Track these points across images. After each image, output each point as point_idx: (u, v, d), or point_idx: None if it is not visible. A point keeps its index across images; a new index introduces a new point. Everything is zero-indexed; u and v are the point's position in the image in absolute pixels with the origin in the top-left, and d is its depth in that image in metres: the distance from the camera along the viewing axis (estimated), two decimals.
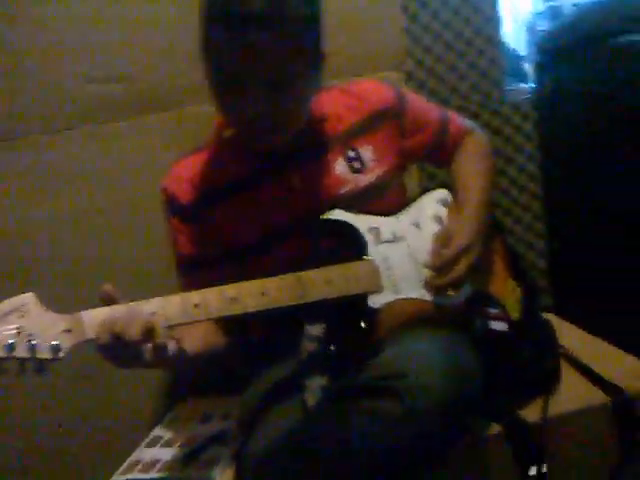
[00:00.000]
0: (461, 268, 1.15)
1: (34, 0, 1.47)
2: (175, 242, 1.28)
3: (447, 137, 1.36)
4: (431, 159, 1.43)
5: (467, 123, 1.41)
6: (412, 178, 1.69)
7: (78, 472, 1.67)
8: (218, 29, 1.05)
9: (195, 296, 0.99)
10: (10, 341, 0.86)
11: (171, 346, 0.99)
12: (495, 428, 1.20)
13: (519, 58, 2.03)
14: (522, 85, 1.92)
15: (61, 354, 0.89)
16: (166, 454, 1.38)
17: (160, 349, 0.94)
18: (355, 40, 1.65)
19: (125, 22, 1.53)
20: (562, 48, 1.76)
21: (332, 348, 1.10)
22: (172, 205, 1.25)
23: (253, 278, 1.08)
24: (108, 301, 0.93)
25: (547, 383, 1.28)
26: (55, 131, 1.52)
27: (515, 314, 1.25)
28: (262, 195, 1.22)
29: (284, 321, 1.24)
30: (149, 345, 0.93)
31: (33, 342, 0.87)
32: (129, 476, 1.32)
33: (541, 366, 1.27)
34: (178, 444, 1.42)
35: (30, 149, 1.51)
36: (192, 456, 1.34)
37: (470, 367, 1.04)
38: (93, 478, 1.62)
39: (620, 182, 1.63)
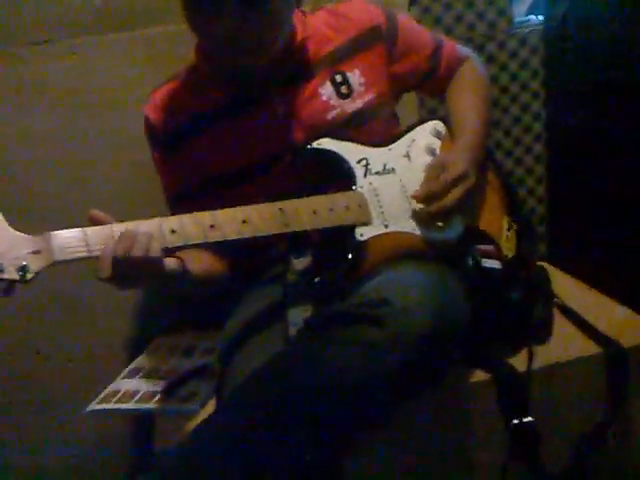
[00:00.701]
0: (453, 197, 1.10)
1: None
2: (160, 175, 1.25)
3: (440, 63, 1.30)
4: (423, 87, 1.36)
5: (462, 50, 1.35)
6: (411, 111, 1.62)
7: (55, 400, 1.66)
8: None
9: (173, 221, 0.94)
10: None
11: (174, 264, 0.99)
12: (481, 375, 1.18)
13: None
14: (532, 18, 1.82)
15: (29, 275, 0.85)
16: (146, 385, 1.36)
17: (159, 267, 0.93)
18: None
19: None
20: None
21: (316, 280, 1.07)
22: (152, 134, 1.22)
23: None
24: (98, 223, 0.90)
25: (538, 331, 1.26)
26: (32, 44, 1.46)
27: (509, 253, 1.22)
28: (244, 123, 1.18)
29: (270, 254, 1.21)
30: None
31: None
32: (106, 405, 1.31)
33: (532, 312, 1.24)
34: (158, 376, 1.40)
35: (5, 62, 1.46)
36: (172, 388, 1.32)
37: (457, 296, 1.02)
38: (71, 406, 1.58)
39: (625, 127, 1.55)
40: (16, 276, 0.84)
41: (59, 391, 1.65)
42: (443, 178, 1.10)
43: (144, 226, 0.92)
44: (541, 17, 1.79)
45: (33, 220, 1.48)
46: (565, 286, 1.42)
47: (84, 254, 0.88)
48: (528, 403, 1.16)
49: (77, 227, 0.88)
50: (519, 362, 1.18)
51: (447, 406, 1.17)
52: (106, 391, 1.36)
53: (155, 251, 0.90)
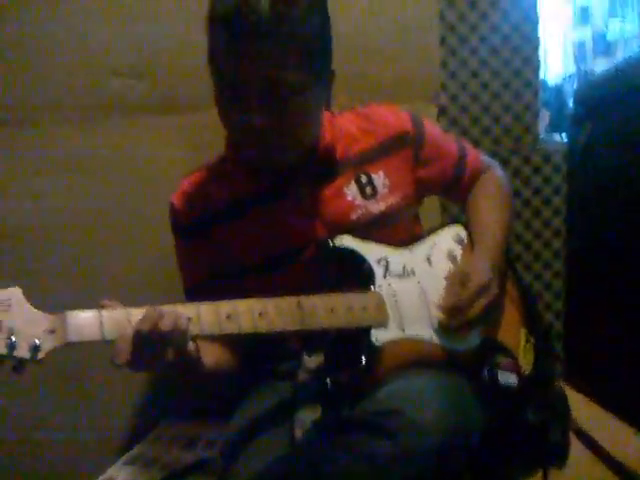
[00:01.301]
0: (476, 310, 1.08)
1: None
2: (180, 262, 1.26)
3: (464, 171, 1.31)
4: (446, 193, 1.38)
5: (486, 159, 1.37)
6: (432, 210, 1.65)
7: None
8: (221, 36, 1.02)
9: (189, 309, 0.93)
10: None
11: (193, 349, 0.96)
12: None
13: (558, 108, 1.99)
14: (556, 136, 1.87)
15: (40, 355, 0.83)
16: (143, 475, 1.32)
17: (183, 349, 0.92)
18: (390, 66, 1.63)
19: (157, 20, 1.52)
20: (600, 100, 1.71)
21: (328, 381, 1.04)
22: (176, 222, 1.23)
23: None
24: None
25: (553, 455, 1.20)
26: (74, 121, 1.51)
27: (526, 367, 1.18)
28: (269, 215, 1.19)
29: (282, 349, 1.20)
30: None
31: (13, 339, 0.81)
32: None
33: (548, 435, 1.19)
34: (158, 467, 1.36)
35: (46, 138, 1.50)
36: None
37: (470, 412, 0.99)
38: None
39: None
40: (27, 355, 0.82)
41: (55, 468, 1.60)
42: (467, 291, 1.09)
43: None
44: (565, 136, 1.83)
45: (57, 288, 1.52)
46: (582, 408, 1.39)
47: (98, 337, 0.87)
48: None
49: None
50: None
51: None
52: (102, 477, 1.32)
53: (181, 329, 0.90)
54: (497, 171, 1.37)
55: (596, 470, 1.20)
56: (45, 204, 1.52)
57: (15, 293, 0.84)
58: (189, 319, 0.91)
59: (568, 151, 1.80)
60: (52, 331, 0.84)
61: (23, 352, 0.82)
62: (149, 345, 0.86)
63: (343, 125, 1.23)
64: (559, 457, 1.20)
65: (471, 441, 0.95)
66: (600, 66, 2.21)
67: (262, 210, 1.19)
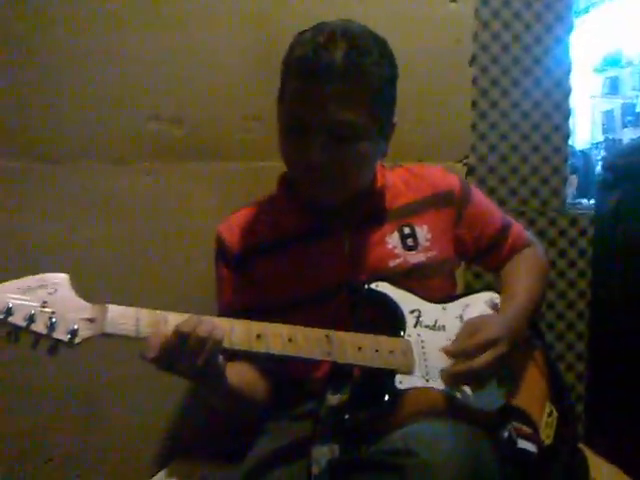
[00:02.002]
0: (481, 360, 1.08)
1: (109, 31, 1.51)
2: (219, 290, 1.30)
3: (505, 242, 1.34)
4: (483, 260, 1.39)
5: (529, 235, 1.40)
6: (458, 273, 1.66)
7: None
8: (296, 77, 1.09)
9: (223, 322, 0.98)
10: (32, 312, 0.85)
11: (221, 363, 1.00)
12: None
13: (585, 174, 2.03)
14: (583, 200, 1.89)
15: (77, 340, 0.88)
16: None
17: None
18: (422, 127, 1.68)
19: (199, 66, 1.56)
20: (629, 168, 1.73)
21: (347, 417, 1.05)
22: (222, 251, 1.27)
23: None
24: None
25: None
26: (110, 161, 1.54)
27: (547, 439, 1.17)
28: (311, 254, 1.22)
29: (306, 391, 1.21)
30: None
31: (53, 320, 0.86)
32: None
33: None
34: None
35: (81, 175, 1.53)
36: None
37: (488, 462, 0.97)
38: None
39: None
40: (65, 338, 0.87)
41: None
42: (473, 340, 1.10)
43: None
44: (592, 201, 1.86)
45: None
46: (602, 473, 1.36)
47: (133, 334, 0.92)
48: None
49: None
50: None
51: None
52: None
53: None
54: (538, 248, 1.39)
55: None
56: (75, 239, 1.53)
57: (63, 278, 0.90)
58: (213, 323, 0.94)
59: (595, 216, 1.82)
60: (91, 320, 0.89)
61: (61, 334, 0.87)
62: (183, 346, 0.91)
63: (392, 178, 1.28)
64: None
65: None
66: (628, 135, 2.25)
67: (303, 248, 1.23)
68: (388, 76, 1.12)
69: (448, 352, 1.11)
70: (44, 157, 1.50)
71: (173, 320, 0.94)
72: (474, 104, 1.74)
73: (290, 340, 1.00)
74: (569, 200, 1.86)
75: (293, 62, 1.10)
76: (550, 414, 1.21)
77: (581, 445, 1.42)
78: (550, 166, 1.78)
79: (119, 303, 1.55)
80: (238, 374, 1.12)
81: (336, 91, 1.05)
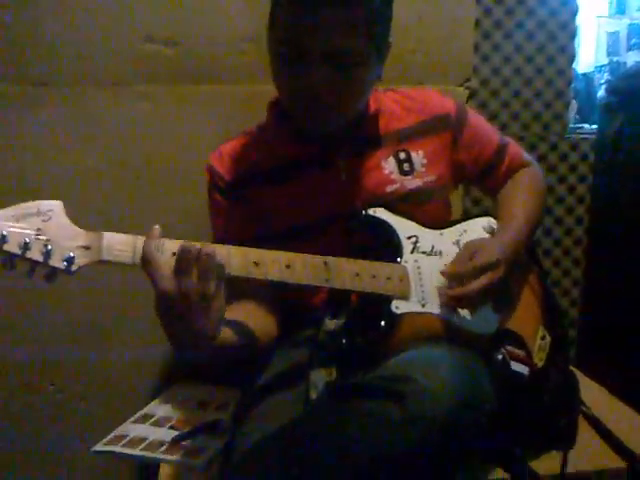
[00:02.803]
0: (477, 284, 1.08)
1: None
2: (214, 221, 1.28)
3: (502, 162, 1.32)
4: (480, 182, 1.38)
5: (525, 155, 1.37)
6: (456, 200, 1.65)
7: (64, 436, 1.64)
8: (288, 2, 1.04)
9: (220, 248, 0.93)
10: (26, 240, 0.83)
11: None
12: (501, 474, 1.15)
13: (586, 98, 1.98)
14: (585, 125, 1.85)
15: (73, 267, 0.86)
16: (155, 434, 1.34)
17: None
18: (422, 48, 1.63)
19: None
20: (633, 92, 1.70)
21: (344, 341, 1.07)
22: (214, 181, 1.25)
23: None
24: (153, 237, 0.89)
25: (561, 438, 1.21)
26: (105, 84, 1.51)
27: (539, 362, 1.19)
28: (306, 183, 1.21)
29: (306, 317, 1.22)
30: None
31: (49, 247, 0.84)
32: (112, 448, 1.28)
33: (557, 421, 1.21)
34: (169, 425, 1.38)
35: (77, 99, 1.51)
36: (181, 440, 1.30)
37: (482, 385, 0.98)
38: (76, 447, 1.60)
39: None
40: (61, 265, 0.85)
41: (69, 427, 1.64)
42: (470, 263, 1.09)
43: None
44: (594, 126, 1.82)
45: None
46: (592, 394, 1.39)
47: (129, 260, 0.88)
48: None
49: None
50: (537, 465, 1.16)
51: None
52: (114, 433, 1.34)
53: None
54: (536, 169, 1.37)
55: (603, 454, 1.21)
56: (69, 162, 1.53)
57: (57, 205, 0.87)
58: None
59: (596, 141, 1.79)
60: (87, 247, 0.87)
61: (57, 262, 0.85)
62: (190, 269, 0.85)
63: (386, 102, 1.26)
64: (566, 440, 1.21)
65: (481, 414, 0.94)
66: (632, 58, 2.18)
67: (298, 176, 1.21)
68: None
69: (445, 275, 1.12)
70: (38, 81, 1.48)
71: (171, 245, 0.90)
72: (477, 23, 1.68)
73: (288, 267, 0.99)
74: (573, 125, 1.82)
75: None
76: (543, 337, 1.23)
77: (573, 368, 1.46)
78: (553, 90, 1.74)
79: (112, 227, 1.57)
80: (245, 314, 1.11)
81: (332, 16, 1.01)
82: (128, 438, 1.32)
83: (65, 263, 0.85)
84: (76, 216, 1.49)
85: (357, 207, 1.17)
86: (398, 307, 1.08)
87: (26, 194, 1.45)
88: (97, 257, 0.87)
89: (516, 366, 1.13)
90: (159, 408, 1.47)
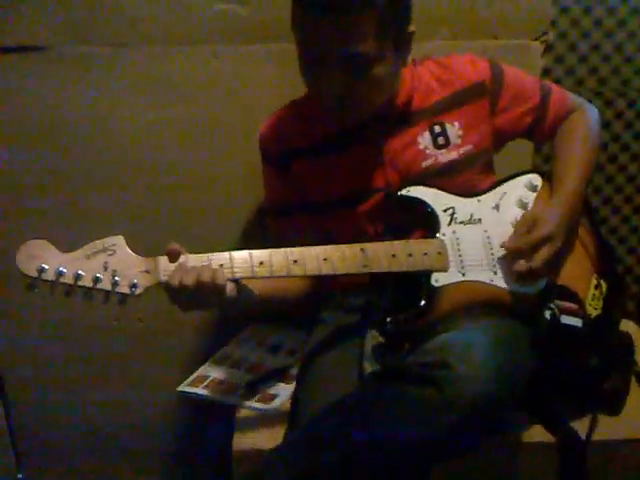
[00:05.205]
0: (540, 258, 1.12)
1: None
2: (265, 186, 1.38)
3: (547, 113, 1.31)
4: (528, 137, 1.38)
5: (573, 99, 1.35)
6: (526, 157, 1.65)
7: (144, 378, 1.80)
8: (300, 7, 1.06)
9: (261, 254, 1.06)
10: (98, 275, 1.01)
11: (232, 292, 1.06)
12: (543, 435, 1.21)
13: None
14: None
15: (137, 291, 1.02)
16: (231, 376, 1.48)
17: (221, 294, 1.03)
18: (497, 1, 1.56)
19: None
20: None
21: (388, 320, 1.14)
22: (264, 151, 1.33)
23: (328, 232, 1.21)
24: (174, 257, 1.03)
25: (610, 401, 1.27)
26: (174, 42, 1.54)
27: (593, 312, 1.22)
28: (345, 158, 1.26)
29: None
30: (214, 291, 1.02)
31: (116, 278, 1.01)
32: (195, 390, 1.43)
33: (607, 380, 1.25)
34: (245, 367, 1.52)
35: (147, 58, 1.55)
36: (255, 385, 1.43)
37: (521, 357, 1.06)
38: (160, 386, 1.76)
39: None
40: (128, 291, 1.02)
41: (150, 369, 1.80)
42: (531, 237, 1.13)
43: (238, 257, 1.05)
44: None
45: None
46: None
47: None
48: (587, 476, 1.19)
49: None
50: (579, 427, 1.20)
51: (498, 463, 1.22)
52: (197, 373, 1.50)
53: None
54: (587, 112, 1.34)
55: None
56: (140, 121, 1.59)
57: (119, 240, 1.03)
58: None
59: None
60: (147, 271, 1.02)
61: (124, 288, 1.01)
62: (184, 294, 1.01)
63: (422, 75, 1.27)
64: (615, 404, 1.26)
65: (515, 392, 1.02)
66: None
67: (338, 153, 1.26)
68: None
69: (507, 249, 1.16)
70: (110, 41, 1.53)
71: (217, 261, 1.04)
72: None
73: (325, 259, 1.07)
74: None
75: None
76: (597, 286, 1.25)
77: (629, 323, 1.46)
78: (636, 43, 1.65)
79: (177, 185, 1.62)
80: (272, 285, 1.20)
81: (342, 21, 1.02)
82: (208, 380, 1.47)
83: (132, 288, 1.02)
84: (137, 168, 1.57)
85: (392, 185, 1.22)
86: (438, 280, 1.14)
87: (105, 150, 1.60)
88: (156, 279, 1.02)
89: (567, 319, 1.16)
90: (236, 349, 1.61)
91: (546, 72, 1.64)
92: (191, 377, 1.49)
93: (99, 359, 1.78)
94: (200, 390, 1.44)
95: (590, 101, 1.42)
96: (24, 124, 1.57)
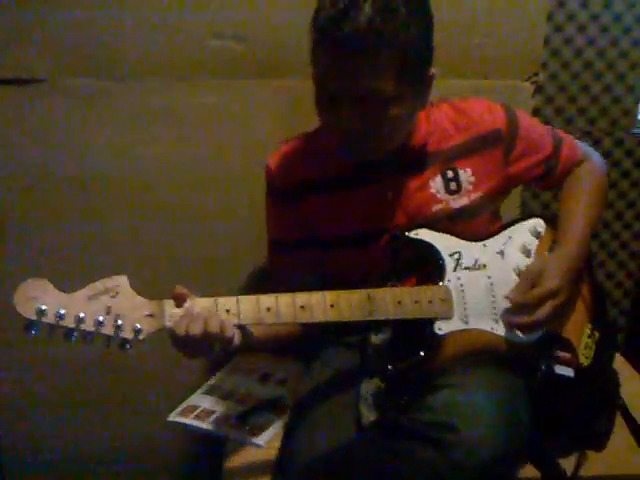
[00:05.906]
0: (544, 312, 1.12)
1: None
2: (268, 221, 1.35)
3: (557, 164, 1.31)
4: (537, 185, 1.39)
5: (583, 149, 1.35)
6: (514, 195, 1.67)
7: (132, 408, 1.79)
8: (319, 45, 1.05)
9: (268, 300, 1.04)
10: (100, 318, 0.95)
11: (237, 340, 1.05)
12: (531, 471, 1.20)
13: None
14: None
15: (141, 336, 0.97)
16: (221, 407, 1.47)
17: (228, 344, 1.02)
18: (491, 41, 1.60)
19: None
20: None
21: (389, 367, 1.12)
22: (272, 184, 1.30)
23: (330, 270, 1.19)
24: (180, 301, 1.00)
25: (596, 440, 1.26)
26: (171, 78, 1.55)
27: (585, 361, 1.21)
28: (353, 197, 1.24)
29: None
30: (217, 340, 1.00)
31: (119, 322, 0.97)
32: (185, 420, 1.42)
33: (594, 423, 1.25)
34: (234, 399, 1.50)
35: (141, 91, 1.55)
36: (245, 416, 1.42)
37: (524, 424, 1.04)
38: (150, 415, 1.75)
39: None
40: (130, 336, 0.97)
41: (140, 400, 1.80)
42: (536, 292, 1.12)
43: (244, 302, 1.02)
44: None
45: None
46: (634, 387, 1.40)
47: None
48: None
49: None
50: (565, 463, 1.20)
51: None
52: (187, 403, 1.49)
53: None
54: (594, 162, 1.34)
55: (635, 457, 1.24)
56: (136, 153, 1.59)
57: (122, 281, 0.98)
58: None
59: None
60: (151, 315, 0.98)
61: (127, 334, 0.97)
62: (189, 343, 0.98)
63: (438, 119, 1.25)
64: (600, 442, 1.25)
65: (523, 451, 1.02)
66: None
67: (349, 190, 1.24)
68: (418, 34, 1.04)
69: (511, 302, 1.14)
70: (109, 74, 1.53)
71: (224, 305, 1.01)
72: (550, 16, 1.64)
73: (332, 306, 1.05)
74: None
75: (317, 27, 1.03)
76: (590, 335, 1.24)
77: (619, 355, 1.45)
78: (624, 84, 1.70)
79: (176, 215, 1.61)
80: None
81: (360, 61, 1.01)
82: (199, 410, 1.45)
83: (135, 334, 0.97)
84: (140, 202, 1.53)
85: (400, 227, 1.20)
86: (441, 328, 1.12)
87: (96, 181, 1.58)
88: (161, 324, 0.99)
89: (560, 369, 1.15)
90: (225, 380, 1.59)
91: (536, 112, 1.68)
92: (181, 407, 1.48)
93: (90, 385, 1.77)
94: (190, 421, 1.43)
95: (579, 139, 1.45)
96: (19, 157, 1.57)
